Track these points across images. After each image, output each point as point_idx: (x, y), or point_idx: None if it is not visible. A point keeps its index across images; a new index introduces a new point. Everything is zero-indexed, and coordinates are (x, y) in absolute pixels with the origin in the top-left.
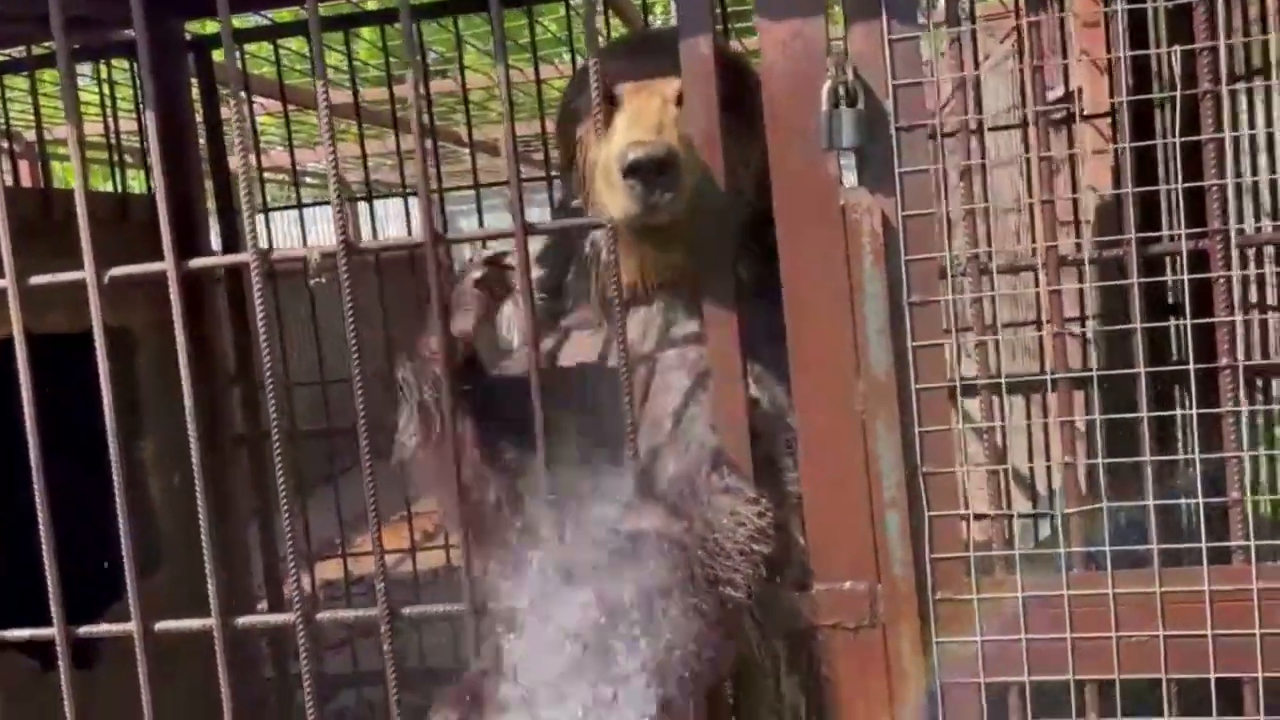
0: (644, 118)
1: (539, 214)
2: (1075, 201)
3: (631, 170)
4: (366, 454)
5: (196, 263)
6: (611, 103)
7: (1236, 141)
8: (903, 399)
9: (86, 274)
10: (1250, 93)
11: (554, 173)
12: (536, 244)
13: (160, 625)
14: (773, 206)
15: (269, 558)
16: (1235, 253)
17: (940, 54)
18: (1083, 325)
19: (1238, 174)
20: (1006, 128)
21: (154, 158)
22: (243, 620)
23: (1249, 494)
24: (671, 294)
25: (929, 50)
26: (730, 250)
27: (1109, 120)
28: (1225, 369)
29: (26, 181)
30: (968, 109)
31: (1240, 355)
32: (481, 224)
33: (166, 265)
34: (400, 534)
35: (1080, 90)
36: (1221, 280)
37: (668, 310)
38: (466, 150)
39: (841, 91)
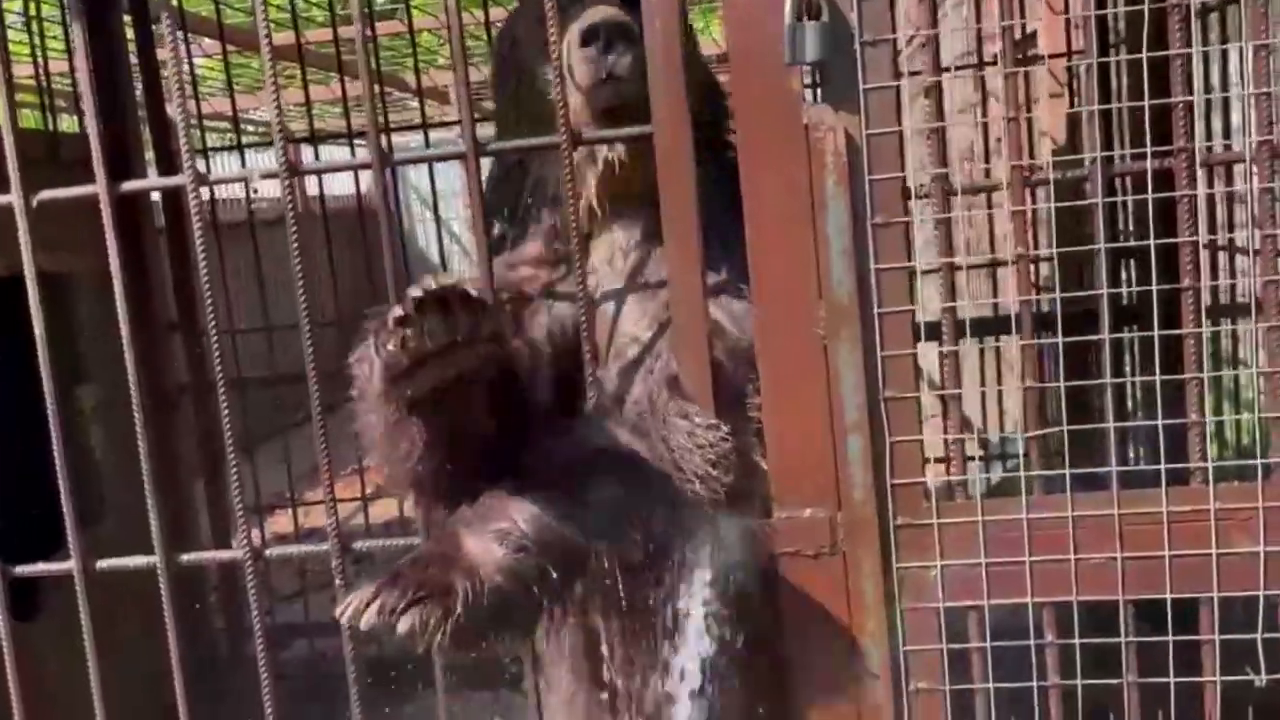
0: (600, 9)
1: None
2: (1030, 143)
3: (590, 34)
4: (316, 404)
5: (129, 185)
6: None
7: (1205, 58)
8: (865, 322)
9: (14, 199)
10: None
11: None
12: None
13: (102, 563)
14: (720, 122)
15: (216, 511)
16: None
17: None
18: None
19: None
20: (963, 68)
21: (81, 79)
22: (187, 556)
23: (1208, 415)
24: (632, 217)
25: None
26: (689, 160)
27: (1065, 65)
28: (1187, 289)
29: None
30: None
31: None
32: (432, 177)
33: (98, 188)
34: (352, 487)
35: (1036, 33)
36: (1185, 200)
37: (629, 235)
38: (414, 98)
39: (805, 4)
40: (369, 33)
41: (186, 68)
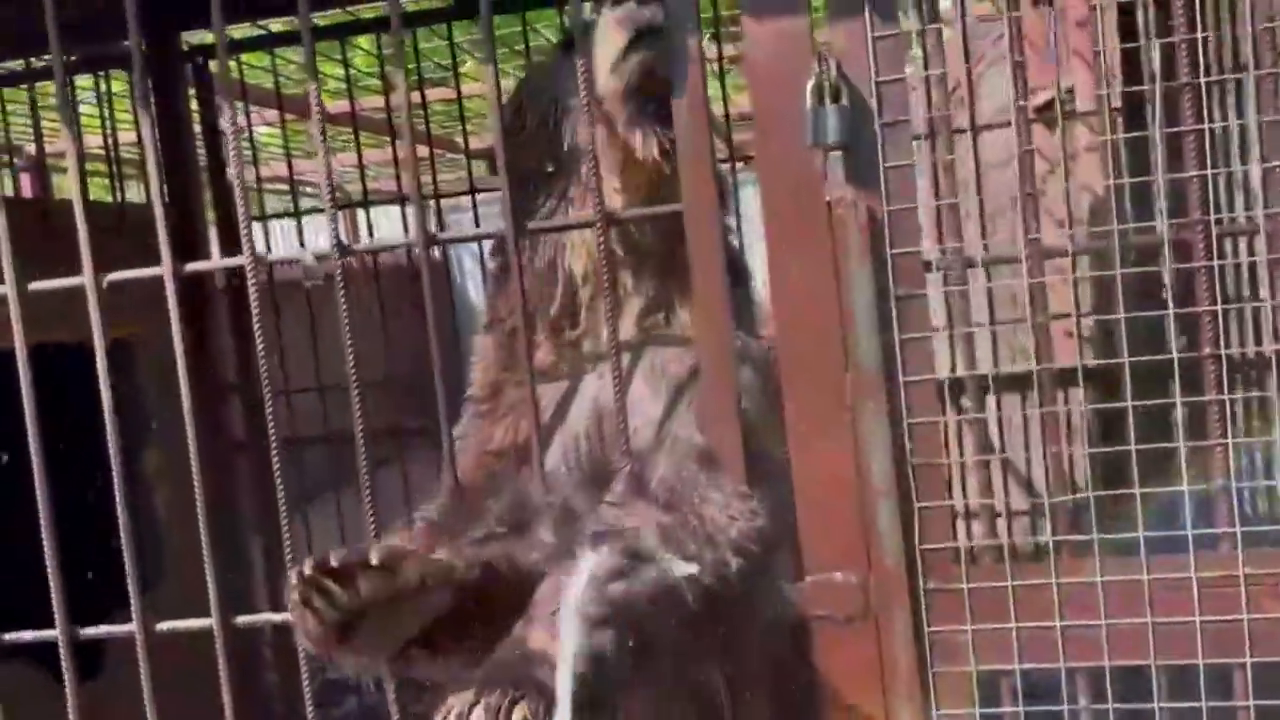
0: None
1: None
2: (1067, 198)
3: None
4: (364, 462)
5: (193, 266)
6: None
7: (1225, 132)
8: (891, 391)
9: (85, 279)
10: (1239, 85)
11: None
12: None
13: (161, 626)
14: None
15: (271, 568)
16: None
17: (917, 58)
18: (1077, 322)
19: (1227, 165)
20: (990, 127)
21: (149, 158)
22: (243, 619)
23: (1234, 482)
24: (642, 289)
25: (916, 51)
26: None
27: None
28: (1208, 358)
29: (28, 192)
30: (936, 103)
31: (1235, 343)
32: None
33: (163, 269)
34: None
35: (1073, 89)
36: (1202, 270)
37: (646, 299)
38: (463, 157)
39: (826, 88)
40: (418, 101)
41: (247, 147)
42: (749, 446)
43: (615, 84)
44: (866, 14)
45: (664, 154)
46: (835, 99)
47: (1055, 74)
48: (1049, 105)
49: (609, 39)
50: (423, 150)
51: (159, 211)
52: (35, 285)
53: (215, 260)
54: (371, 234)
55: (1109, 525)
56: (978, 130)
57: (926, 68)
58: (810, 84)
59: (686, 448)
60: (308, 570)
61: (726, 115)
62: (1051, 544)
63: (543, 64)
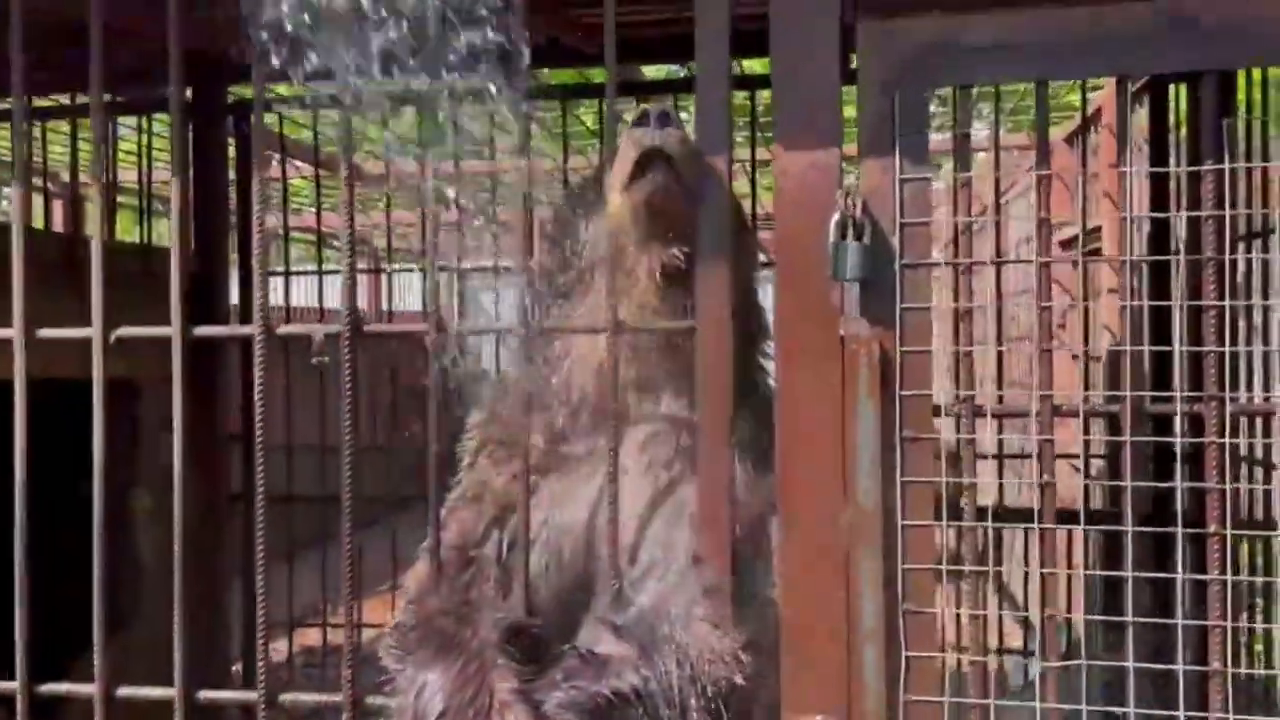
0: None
1: None
2: (1085, 369)
3: (642, 117)
4: (348, 532)
5: (202, 331)
6: None
7: (1248, 308)
8: (888, 532)
9: (94, 332)
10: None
11: None
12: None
13: (122, 691)
14: (756, 339)
15: (250, 619)
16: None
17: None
18: (1087, 468)
19: (1248, 341)
20: (1007, 261)
21: (173, 223)
22: (205, 694)
23: (1229, 664)
24: (656, 392)
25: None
26: (728, 361)
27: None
28: (1213, 535)
29: (59, 222)
30: (967, 249)
31: (1235, 517)
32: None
33: (173, 330)
34: (386, 605)
35: (1101, 229)
36: (1213, 446)
37: (649, 411)
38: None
39: (850, 224)
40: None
41: (278, 197)
42: (739, 576)
43: (625, 203)
44: (896, 155)
45: (671, 275)
46: (859, 236)
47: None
48: (1075, 240)
49: (624, 156)
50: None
51: (175, 275)
52: (44, 332)
53: (226, 328)
54: (390, 292)
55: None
56: (1001, 263)
57: (955, 197)
58: (835, 219)
59: (677, 573)
60: None
61: (754, 215)
62: (1038, 714)
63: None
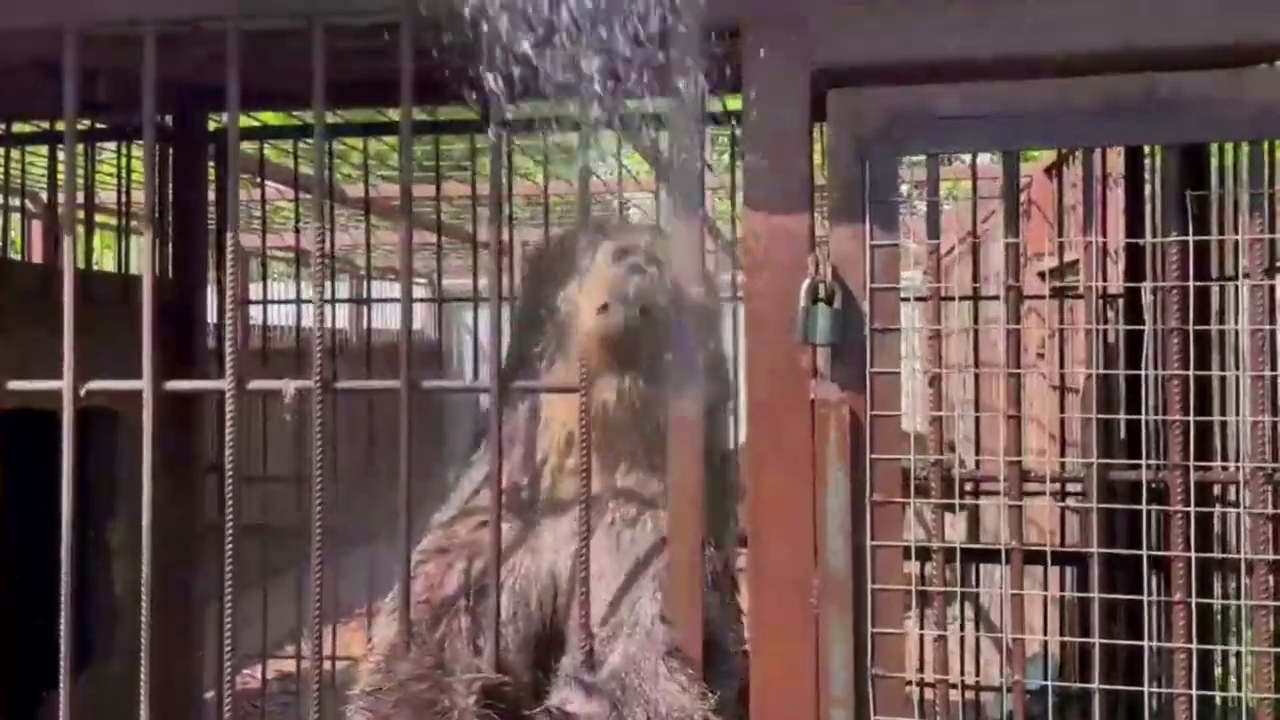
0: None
1: None
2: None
3: (621, 252)
4: (316, 583)
5: (172, 385)
6: None
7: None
8: (858, 597)
9: (64, 385)
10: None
11: None
12: None
13: None
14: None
15: (222, 646)
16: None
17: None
18: (1063, 498)
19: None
20: (977, 298)
21: (145, 284)
22: None
23: (1195, 688)
24: (624, 454)
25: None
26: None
27: (1101, 298)
28: (1177, 560)
29: (38, 243)
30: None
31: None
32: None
33: (144, 384)
34: (361, 629)
35: (1077, 263)
36: (1179, 516)
37: (616, 472)
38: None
39: (820, 289)
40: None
41: (257, 215)
42: (709, 637)
43: (593, 328)
44: (866, 223)
45: (630, 402)
46: (829, 300)
47: (1058, 245)
48: (1055, 271)
49: (597, 282)
50: (432, 238)
51: (147, 333)
52: (13, 385)
53: (198, 382)
54: (369, 314)
55: None
56: (978, 299)
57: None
58: (805, 284)
59: (645, 632)
60: None
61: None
62: None
63: (564, 236)
